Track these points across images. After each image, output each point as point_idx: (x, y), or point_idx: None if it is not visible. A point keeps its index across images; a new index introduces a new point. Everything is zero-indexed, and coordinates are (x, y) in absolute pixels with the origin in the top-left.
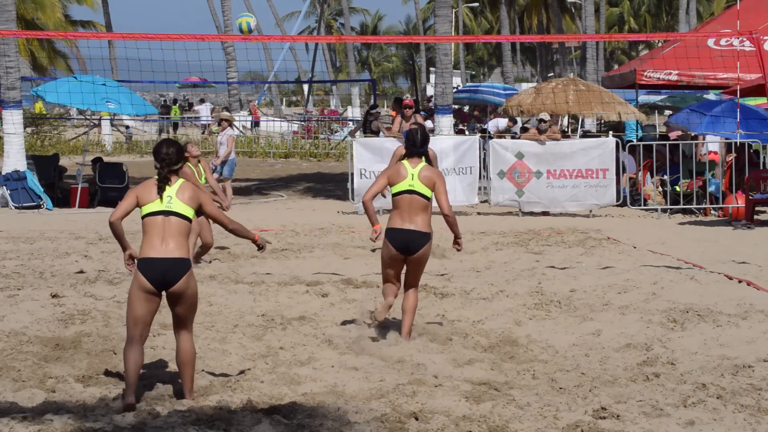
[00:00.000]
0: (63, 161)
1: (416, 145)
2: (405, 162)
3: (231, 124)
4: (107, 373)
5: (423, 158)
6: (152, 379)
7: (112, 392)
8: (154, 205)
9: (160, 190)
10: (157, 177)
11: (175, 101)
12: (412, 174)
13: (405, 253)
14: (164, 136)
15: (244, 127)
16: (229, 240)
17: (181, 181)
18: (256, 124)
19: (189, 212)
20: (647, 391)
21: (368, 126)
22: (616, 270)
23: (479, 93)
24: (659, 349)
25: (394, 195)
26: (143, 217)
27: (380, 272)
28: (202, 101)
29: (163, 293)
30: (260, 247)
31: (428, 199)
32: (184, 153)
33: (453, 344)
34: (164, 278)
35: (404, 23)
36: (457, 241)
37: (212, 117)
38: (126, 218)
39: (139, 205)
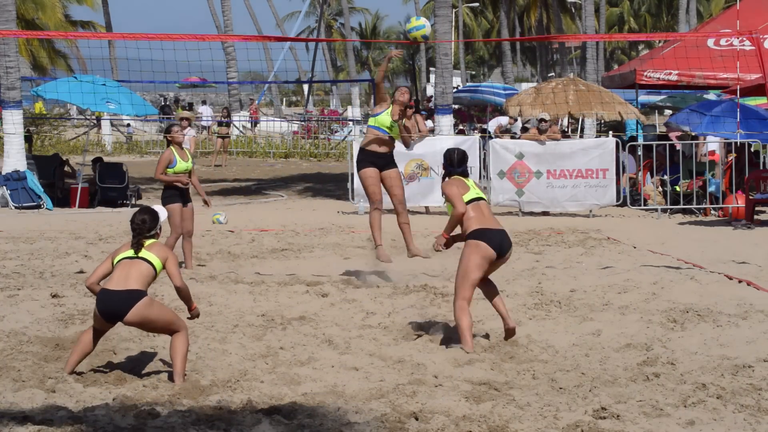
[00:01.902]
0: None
1: (453, 165)
2: (459, 178)
3: (191, 124)
4: (107, 373)
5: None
6: (152, 379)
7: (112, 392)
8: (125, 254)
9: (134, 249)
10: (131, 242)
11: (176, 101)
12: (472, 184)
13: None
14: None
15: (244, 126)
16: (228, 240)
17: (153, 241)
18: (254, 123)
19: (155, 261)
20: (647, 391)
21: None
22: (616, 270)
23: (479, 93)
24: (659, 349)
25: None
26: (114, 265)
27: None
28: (204, 102)
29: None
30: (192, 317)
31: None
32: (158, 221)
33: (453, 344)
34: (113, 311)
35: (404, 23)
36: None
37: (212, 118)
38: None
39: (112, 259)
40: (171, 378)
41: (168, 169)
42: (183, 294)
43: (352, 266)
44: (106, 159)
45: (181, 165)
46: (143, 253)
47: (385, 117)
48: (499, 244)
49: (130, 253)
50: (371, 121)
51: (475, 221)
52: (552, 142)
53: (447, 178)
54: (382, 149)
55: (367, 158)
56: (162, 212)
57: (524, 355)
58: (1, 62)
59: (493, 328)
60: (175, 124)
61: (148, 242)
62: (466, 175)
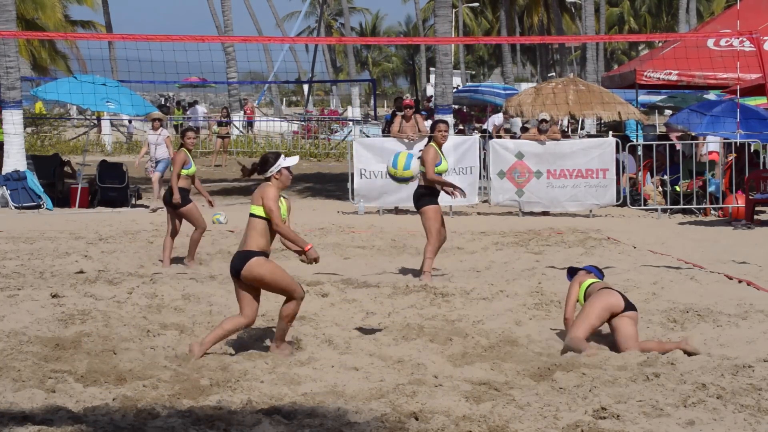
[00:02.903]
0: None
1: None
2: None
3: (163, 124)
4: (107, 373)
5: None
6: (152, 379)
7: (112, 392)
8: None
9: None
10: None
11: (178, 104)
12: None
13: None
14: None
15: (243, 126)
16: (228, 240)
17: (265, 185)
18: (249, 123)
19: (258, 211)
20: (647, 391)
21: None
22: (616, 270)
23: (479, 93)
24: None
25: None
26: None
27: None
28: (195, 102)
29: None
30: (309, 260)
31: None
32: (271, 164)
33: (453, 344)
34: (234, 268)
35: (404, 23)
36: None
37: (203, 118)
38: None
39: None
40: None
41: (183, 170)
42: (284, 236)
43: (352, 266)
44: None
45: (193, 168)
46: (252, 208)
47: (443, 165)
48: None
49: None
50: (435, 170)
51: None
52: (552, 142)
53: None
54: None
55: (432, 194)
56: (292, 159)
57: (524, 355)
58: (1, 62)
59: (493, 328)
60: (190, 128)
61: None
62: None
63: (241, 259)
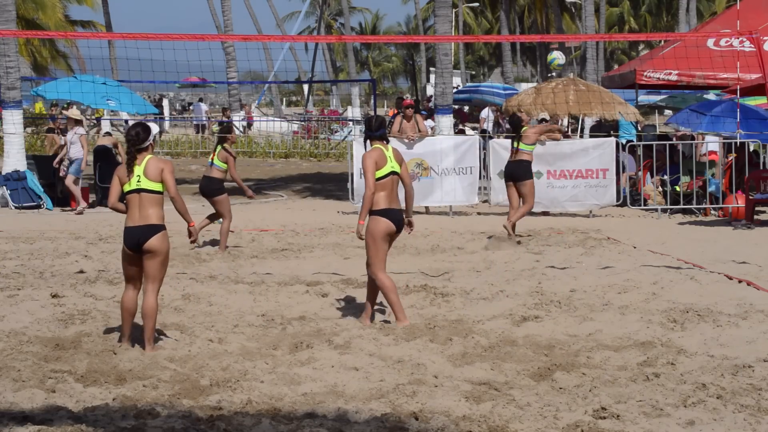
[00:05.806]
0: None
1: (371, 129)
2: (379, 147)
3: (79, 122)
4: (107, 373)
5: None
6: (152, 379)
7: (112, 392)
8: (129, 186)
9: (129, 170)
10: (127, 157)
11: (183, 107)
12: (390, 155)
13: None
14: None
15: (244, 127)
16: (228, 240)
17: (149, 158)
18: (249, 124)
19: (155, 187)
20: (647, 391)
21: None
22: (616, 270)
23: (479, 93)
24: (659, 349)
25: (380, 179)
26: (125, 195)
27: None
28: (200, 100)
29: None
30: (190, 236)
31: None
32: (150, 134)
33: (453, 344)
34: (137, 242)
35: (404, 23)
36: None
37: (205, 117)
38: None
39: (121, 183)
40: (143, 346)
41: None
42: (177, 206)
43: (352, 266)
44: None
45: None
46: (143, 183)
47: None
48: (398, 221)
49: (132, 183)
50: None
51: (383, 200)
52: (552, 142)
53: (368, 143)
54: None
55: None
56: (154, 127)
57: (524, 355)
58: (1, 62)
59: (493, 328)
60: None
61: (144, 160)
62: (384, 139)
63: (148, 231)
